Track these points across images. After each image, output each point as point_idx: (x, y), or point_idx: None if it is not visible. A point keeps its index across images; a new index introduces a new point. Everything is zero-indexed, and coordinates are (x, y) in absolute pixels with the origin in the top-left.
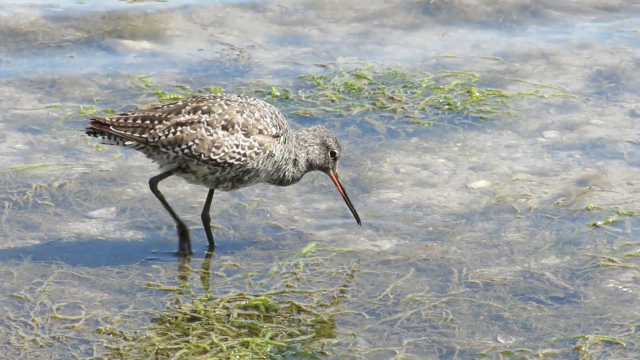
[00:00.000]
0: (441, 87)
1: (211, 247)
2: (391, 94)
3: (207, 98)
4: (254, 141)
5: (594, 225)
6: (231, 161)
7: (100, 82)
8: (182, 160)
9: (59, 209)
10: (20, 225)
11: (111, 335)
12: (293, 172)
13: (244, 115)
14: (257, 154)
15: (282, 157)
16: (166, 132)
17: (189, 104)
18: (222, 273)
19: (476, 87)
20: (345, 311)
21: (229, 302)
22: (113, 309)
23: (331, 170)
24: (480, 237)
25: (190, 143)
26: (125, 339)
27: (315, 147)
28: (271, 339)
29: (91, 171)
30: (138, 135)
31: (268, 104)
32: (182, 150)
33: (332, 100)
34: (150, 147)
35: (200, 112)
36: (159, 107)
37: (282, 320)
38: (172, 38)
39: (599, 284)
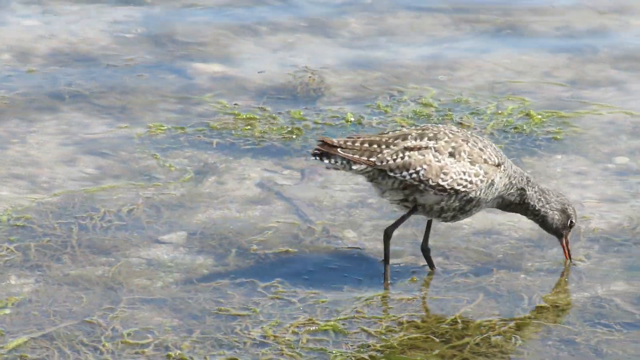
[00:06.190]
0: (500, 112)
1: (432, 270)
2: (459, 119)
3: (430, 127)
4: (480, 169)
5: None
6: (458, 187)
7: (171, 105)
8: (409, 187)
9: (128, 233)
10: (89, 250)
11: None
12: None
13: (469, 144)
14: (482, 181)
15: (503, 184)
16: (394, 157)
17: (413, 132)
18: (293, 298)
19: (534, 109)
20: (414, 336)
21: (298, 327)
22: (182, 334)
23: (563, 238)
24: (550, 263)
25: (419, 168)
26: None
27: (556, 212)
28: None
29: (160, 195)
30: (366, 158)
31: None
32: (410, 175)
33: (402, 126)
34: (376, 171)
35: (426, 138)
36: (384, 133)
37: (352, 346)
38: (243, 62)
39: None
